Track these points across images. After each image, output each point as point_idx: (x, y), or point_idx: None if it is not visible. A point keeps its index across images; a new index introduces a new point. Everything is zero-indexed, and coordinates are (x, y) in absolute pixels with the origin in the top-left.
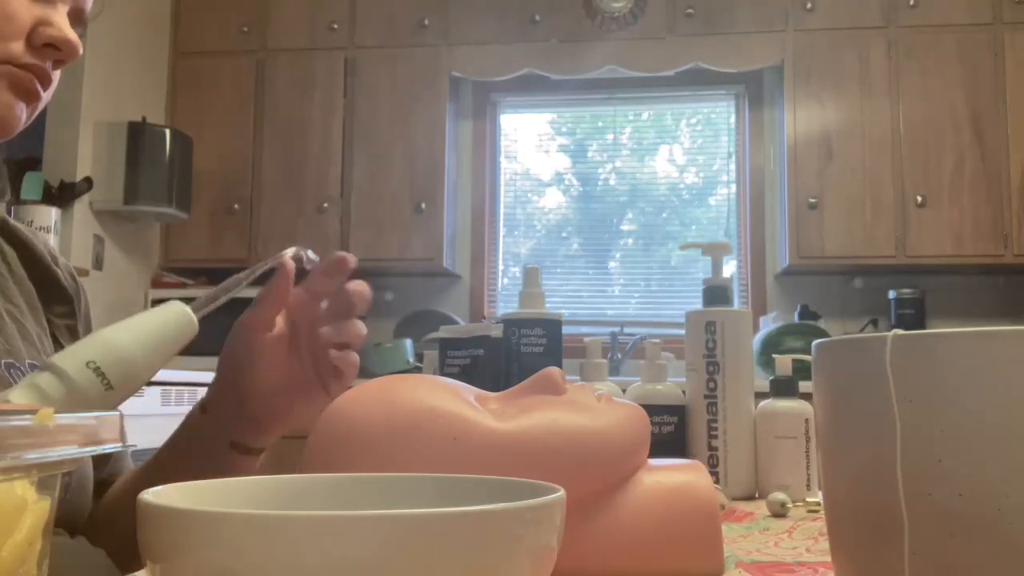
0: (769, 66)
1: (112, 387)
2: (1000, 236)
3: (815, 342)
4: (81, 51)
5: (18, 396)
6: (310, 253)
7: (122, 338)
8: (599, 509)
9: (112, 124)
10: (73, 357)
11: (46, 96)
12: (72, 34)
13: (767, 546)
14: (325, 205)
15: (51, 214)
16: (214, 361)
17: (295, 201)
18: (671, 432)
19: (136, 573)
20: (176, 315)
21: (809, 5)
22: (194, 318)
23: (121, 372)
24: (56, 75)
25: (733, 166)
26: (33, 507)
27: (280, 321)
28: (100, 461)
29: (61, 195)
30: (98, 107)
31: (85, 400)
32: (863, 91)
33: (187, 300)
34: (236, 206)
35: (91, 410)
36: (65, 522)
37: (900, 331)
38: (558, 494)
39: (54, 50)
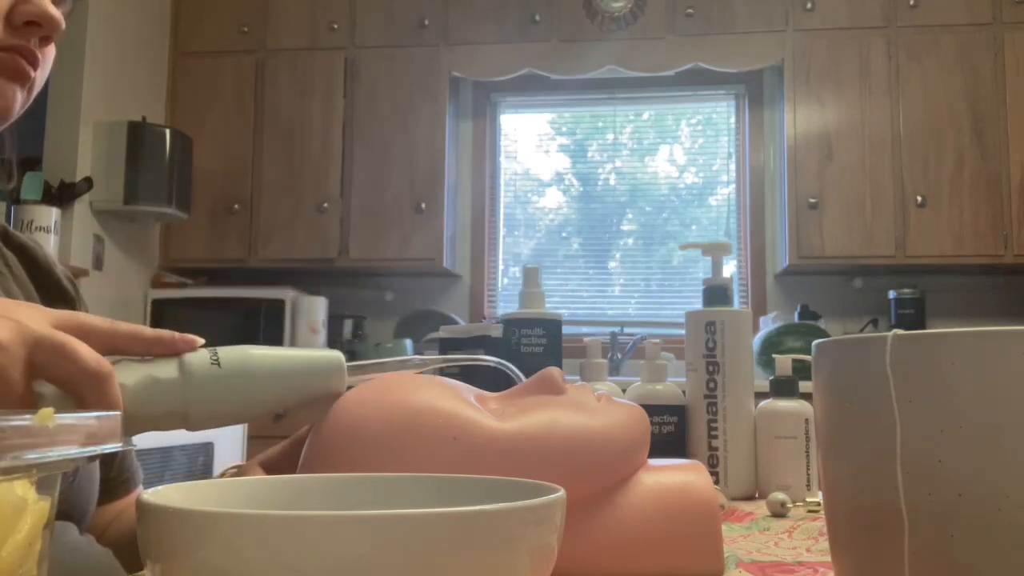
0: (769, 66)
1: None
2: (1000, 236)
3: (815, 342)
4: (63, 24)
5: (124, 368)
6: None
7: (256, 351)
8: (599, 509)
9: (112, 124)
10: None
11: (40, 77)
12: (52, 8)
13: (767, 546)
14: (325, 205)
15: (51, 214)
16: None
17: (295, 201)
18: (671, 432)
19: (137, 574)
20: (328, 359)
21: (809, 5)
22: (344, 367)
23: (241, 380)
24: (48, 55)
25: (733, 166)
26: (33, 507)
27: None
28: (107, 459)
29: (61, 195)
30: (98, 107)
31: (197, 388)
32: (863, 91)
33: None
34: (236, 206)
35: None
36: (69, 514)
37: (900, 331)
38: (558, 494)
39: (36, 27)
